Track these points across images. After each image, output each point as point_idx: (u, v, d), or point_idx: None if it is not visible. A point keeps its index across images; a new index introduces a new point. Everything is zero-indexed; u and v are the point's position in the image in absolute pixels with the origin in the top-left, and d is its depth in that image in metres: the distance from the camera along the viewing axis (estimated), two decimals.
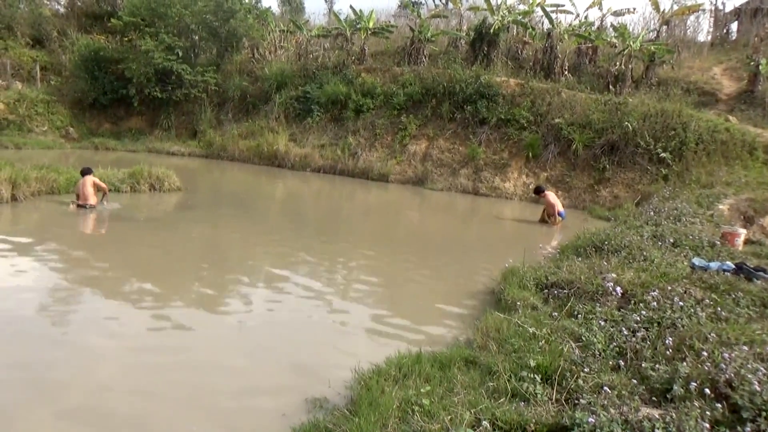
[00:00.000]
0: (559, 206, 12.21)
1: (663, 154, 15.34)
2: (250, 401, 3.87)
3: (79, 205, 9.95)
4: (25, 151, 20.06)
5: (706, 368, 3.39)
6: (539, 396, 3.37)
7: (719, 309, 4.56)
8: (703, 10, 23.78)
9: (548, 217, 12.22)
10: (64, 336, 4.80)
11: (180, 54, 23.67)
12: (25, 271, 6.47)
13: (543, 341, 4.13)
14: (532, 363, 3.70)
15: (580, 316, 4.71)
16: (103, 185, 10.44)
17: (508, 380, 3.55)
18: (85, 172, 10.33)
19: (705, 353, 3.60)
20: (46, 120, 23.98)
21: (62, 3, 30.88)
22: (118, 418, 3.53)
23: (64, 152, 21.40)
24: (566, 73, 19.92)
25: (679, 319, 4.29)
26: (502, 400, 3.36)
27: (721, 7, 24.72)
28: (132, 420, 3.51)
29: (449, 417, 3.09)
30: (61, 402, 3.69)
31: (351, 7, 24.54)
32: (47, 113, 24.21)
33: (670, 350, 3.79)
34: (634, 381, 3.45)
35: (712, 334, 3.88)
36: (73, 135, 24.27)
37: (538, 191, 12.58)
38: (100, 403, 3.70)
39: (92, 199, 10.02)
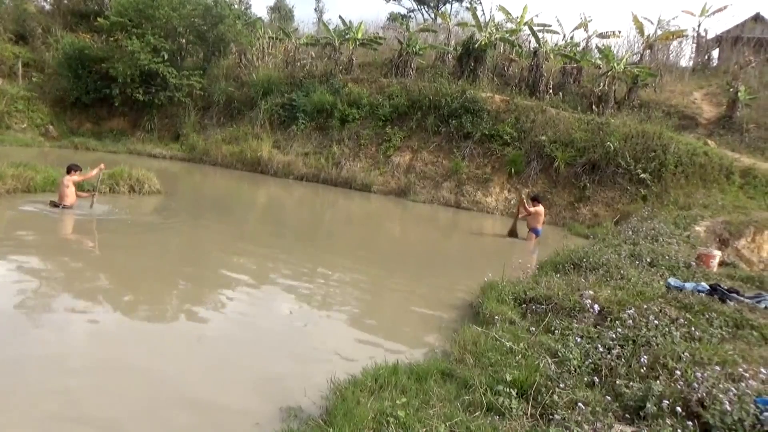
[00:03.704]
0: (540, 224, 12.25)
1: (643, 175, 15.60)
2: (223, 409, 3.81)
3: (54, 204, 9.69)
4: (2, 148, 19.64)
5: (679, 387, 3.43)
6: (515, 410, 3.37)
7: (693, 329, 4.62)
8: (686, 36, 24.38)
9: (520, 214, 12.28)
10: (24, 346, 4.55)
11: (166, 56, 23.47)
12: None
13: (520, 356, 4.14)
14: (509, 377, 3.70)
15: (557, 331, 4.74)
16: (79, 178, 10.02)
17: (484, 394, 3.55)
18: (68, 169, 9.99)
19: (678, 372, 3.64)
20: (25, 117, 23.55)
21: (48, 0, 30.49)
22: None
23: (42, 150, 21.02)
24: (551, 91, 20.21)
25: (654, 338, 4.33)
26: (477, 413, 3.35)
27: (703, 34, 25.31)
28: None
29: (424, 429, 3.08)
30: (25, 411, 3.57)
31: (340, 17, 24.76)
32: (27, 110, 23.78)
33: (645, 368, 3.82)
34: (608, 398, 3.47)
35: (685, 354, 3.93)
36: (52, 133, 23.85)
37: (535, 199, 12.49)
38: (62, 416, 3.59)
39: (68, 200, 9.72)
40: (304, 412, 3.70)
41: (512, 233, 12.31)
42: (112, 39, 24.75)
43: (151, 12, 23.45)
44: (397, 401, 3.45)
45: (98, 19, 25.08)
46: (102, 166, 10.79)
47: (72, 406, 3.68)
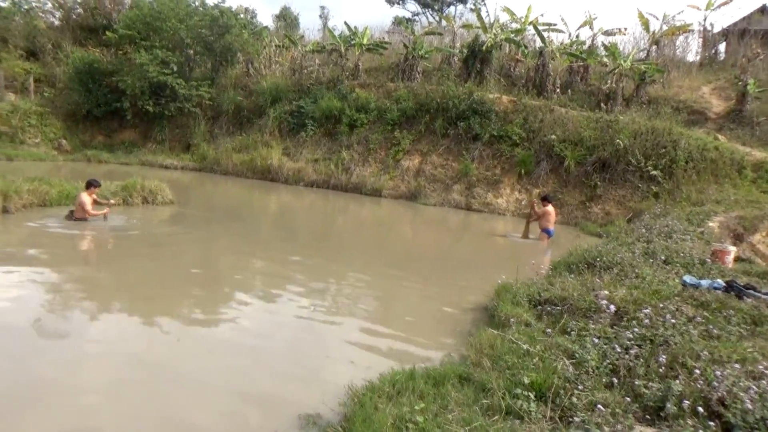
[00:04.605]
0: (552, 224, 12.22)
1: (654, 172, 15.51)
2: (241, 417, 3.84)
3: (71, 217, 9.83)
4: (17, 163, 19.94)
5: (699, 386, 3.41)
6: (533, 414, 3.36)
7: (711, 327, 4.59)
8: (692, 30, 24.23)
9: (531, 218, 12.26)
10: (41, 357, 4.61)
11: (174, 68, 23.71)
12: (7, 284, 6.34)
13: (537, 358, 4.13)
14: (526, 380, 3.69)
15: (573, 332, 4.72)
16: (89, 211, 9.96)
17: (502, 397, 3.54)
18: (87, 184, 10.09)
19: (697, 371, 3.61)
20: (38, 132, 23.88)
21: (57, 16, 30.89)
22: None
23: (56, 164, 21.29)
24: (558, 90, 20.17)
25: (672, 337, 4.30)
26: (496, 417, 3.35)
27: (709, 28, 25.14)
28: None
29: None
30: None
31: (345, 23, 24.81)
32: (40, 125, 24.12)
33: (663, 368, 3.80)
34: (628, 399, 3.45)
35: (704, 352, 3.90)
36: (65, 147, 24.17)
37: (545, 199, 12.43)
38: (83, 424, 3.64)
39: (81, 213, 9.84)
40: (323, 418, 3.71)
41: (526, 235, 12.28)
42: (121, 52, 25.11)
43: (158, 24, 23.73)
44: (416, 407, 3.44)
45: (107, 32, 25.45)
46: (111, 202, 10.66)
47: (89, 416, 3.71)
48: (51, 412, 3.70)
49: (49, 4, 30.53)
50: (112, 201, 10.58)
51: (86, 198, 9.88)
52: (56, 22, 30.58)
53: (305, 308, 6.36)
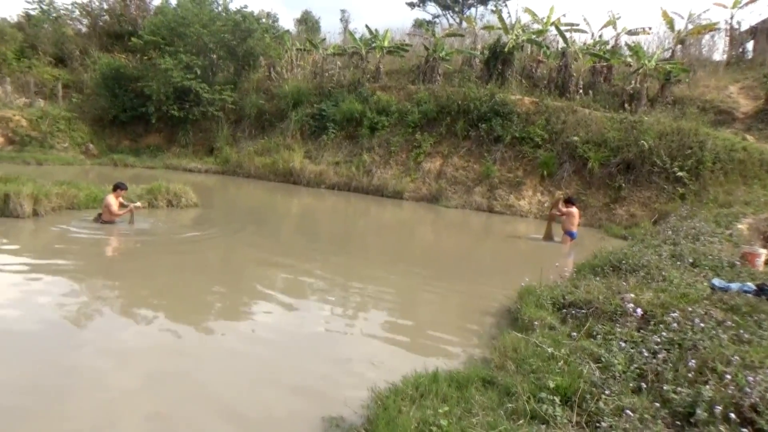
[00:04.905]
0: (575, 226, 12.06)
1: (680, 173, 15.24)
2: (265, 420, 3.86)
3: (99, 220, 10.04)
4: (47, 167, 20.41)
5: (730, 392, 3.33)
6: (559, 418, 3.32)
7: (741, 331, 4.48)
8: (719, 29, 23.74)
9: (555, 212, 12.18)
10: (72, 356, 4.70)
11: (198, 72, 24.06)
12: (38, 287, 6.49)
13: (562, 362, 4.08)
14: (551, 384, 3.65)
15: (599, 336, 4.66)
16: (116, 211, 10.14)
17: (527, 401, 3.51)
18: (114, 187, 10.32)
19: (728, 376, 3.53)
20: (67, 136, 24.44)
21: (85, 23, 31.63)
22: None
23: (84, 168, 21.74)
24: (581, 91, 19.94)
25: (701, 341, 4.21)
26: (521, 422, 3.32)
27: (736, 26, 24.60)
28: None
29: None
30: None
31: (366, 26, 24.90)
32: (68, 130, 24.69)
33: (693, 373, 3.72)
34: (656, 404, 3.39)
35: (735, 357, 3.81)
36: (93, 151, 24.70)
37: (569, 201, 12.27)
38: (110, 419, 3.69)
39: (108, 216, 10.05)
40: (346, 421, 3.71)
41: (548, 236, 12.14)
42: (146, 58, 25.59)
43: (182, 30, 24.11)
44: (439, 410, 3.42)
45: (132, 39, 25.95)
46: (137, 204, 10.65)
47: (114, 416, 3.76)
48: (83, 404, 3.79)
49: (77, 12, 31.40)
50: (138, 203, 10.75)
51: (112, 200, 10.07)
52: (84, 29, 31.35)
53: (327, 310, 6.39)
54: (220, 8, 26.28)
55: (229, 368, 4.64)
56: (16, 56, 27.30)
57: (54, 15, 30.65)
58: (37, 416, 3.66)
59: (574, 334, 4.76)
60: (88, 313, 5.78)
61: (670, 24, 22.63)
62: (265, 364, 4.82)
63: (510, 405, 3.54)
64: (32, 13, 30.47)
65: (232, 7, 26.57)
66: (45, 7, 30.46)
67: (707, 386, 3.46)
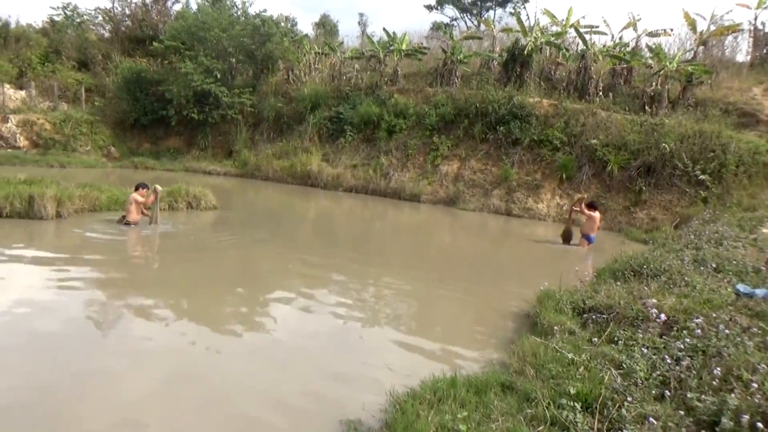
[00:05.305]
0: (594, 231, 11.90)
1: (702, 176, 14.99)
2: (282, 423, 3.87)
3: (125, 223, 10.17)
4: (69, 170, 20.77)
5: (757, 400, 3.26)
6: (580, 425, 3.28)
7: (767, 338, 4.39)
8: (742, 30, 23.29)
9: (574, 213, 12.14)
10: (92, 357, 4.75)
11: (218, 76, 24.30)
12: (60, 288, 6.63)
13: (582, 368, 4.03)
14: (572, 390, 3.61)
15: (620, 342, 4.59)
16: (142, 200, 10.28)
17: (547, 407, 3.47)
18: (136, 187, 10.46)
19: (755, 384, 3.45)
20: (89, 140, 24.85)
21: (107, 28, 32.18)
22: None
23: (105, 171, 22.11)
24: (600, 93, 19.71)
25: (725, 348, 4.13)
26: (541, 428, 3.28)
27: (760, 27, 24.12)
28: None
29: None
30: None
31: (384, 29, 24.88)
32: (91, 133, 25.10)
33: (717, 380, 3.65)
34: (680, 412, 3.33)
35: (761, 365, 3.73)
36: (114, 154, 25.10)
37: (591, 205, 12.18)
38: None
39: (132, 216, 10.17)
40: (364, 425, 3.71)
41: (566, 238, 11.99)
42: (166, 62, 25.96)
43: (202, 34, 24.38)
44: (458, 415, 3.40)
45: (153, 43, 26.34)
46: (157, 187, 10.59)
47: (132, 415, 3.81)
48: (101, 405, 3.83)
49: (100, 17, 32.00)
50: (159, 187, 10.46)
51: (137, 196, 10.23)
52: (106, 34, 31.91)
53: (345, 313, 6.39)
54: (239, 13, 26.53)
55: (247, 371, 4.66)
56: (41, 61, 27.88)
57: (77, 21, 31.27)
58: (56, 415, 3.72)
59: (595, 339, 4.70)
60: (109, 313, 5.86)
61: (692, 25, 22.28)
62: (283, 367, 4.83)
63: (530, 411, 3.51)
64: (56, 18, 31.17)
65: (252, 11, 26.83)
66: (69, 13, 31.13)
67: (732, 394, 3.38)
